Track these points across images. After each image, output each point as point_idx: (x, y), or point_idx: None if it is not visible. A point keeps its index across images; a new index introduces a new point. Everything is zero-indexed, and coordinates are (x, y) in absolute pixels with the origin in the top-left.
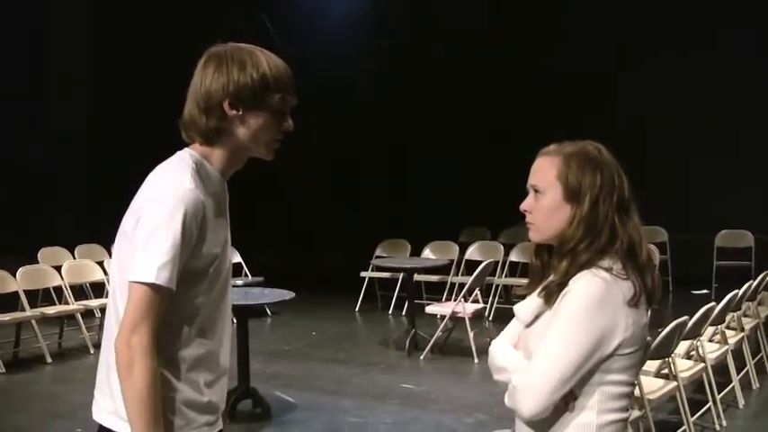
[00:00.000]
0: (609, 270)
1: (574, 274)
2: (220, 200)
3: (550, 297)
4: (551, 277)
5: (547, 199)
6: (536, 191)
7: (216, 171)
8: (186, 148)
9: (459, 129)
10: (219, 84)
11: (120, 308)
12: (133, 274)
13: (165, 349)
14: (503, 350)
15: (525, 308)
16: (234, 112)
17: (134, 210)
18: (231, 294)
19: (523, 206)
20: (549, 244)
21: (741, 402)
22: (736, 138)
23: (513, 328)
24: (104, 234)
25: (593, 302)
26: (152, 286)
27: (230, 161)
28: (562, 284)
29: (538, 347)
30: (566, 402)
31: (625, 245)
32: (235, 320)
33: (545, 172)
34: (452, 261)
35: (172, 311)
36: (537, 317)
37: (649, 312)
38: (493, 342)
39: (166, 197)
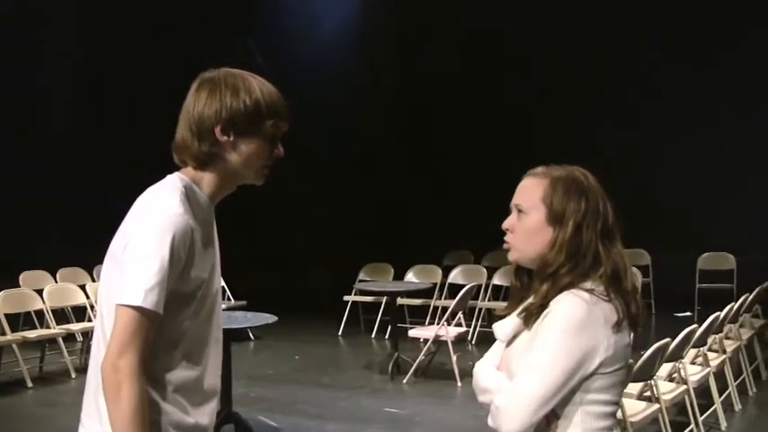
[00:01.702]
0: (591, 291)
1: (554, 297)
2: (209, 225)
3: (530, 319)
4: (531, 299)
5: (530, 219)
6: (519, 210)
7: (205, 196)
8: (176, 172)
9: (443, 152)
10: (212, 109)
11: (107, 331)
12: (120, 298)
13: (152, 372)
14: (486, 371)
15: (504, 326)
16: (225, 138)
17: (123, 233)
18: (221, 318)
19: (505, 224)
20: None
21: (723, 425)
22: (717, 161)
23: (496, 349)
24: (87, 258)
25: (574, 323)
26: (139, 309)
27: (221, 186)
28: (542, 306)
29: (519, 368)
30: (548, 422)
31: (609, 271)
32: None
33: (530, 192)
34: (435, 285)
35: (159, 334)
36: (516, 336)
37: (632, 336)
38: (477, 364)
39: (155, 221)
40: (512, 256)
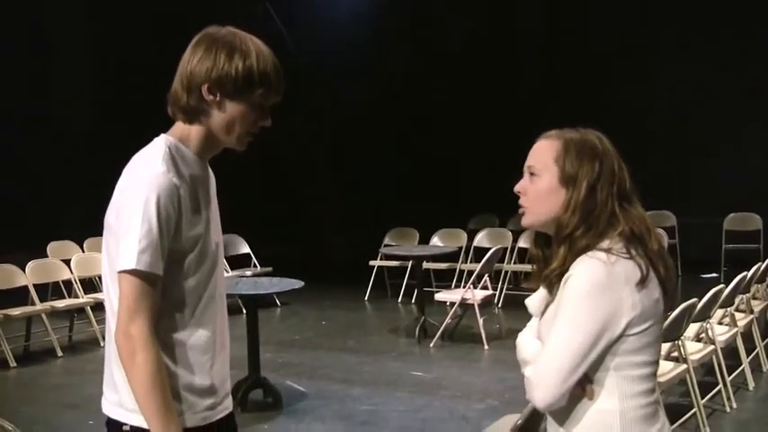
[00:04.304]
0: (608, 251)
1: (572, 261)
2: (200, 181)
3: (552, 286)
4: (552, 265)
5: (542, 181)
6: (531, 173)
7: (193, 153)
8: (162, 134)
9: (466, 116)
10: (204, 67)
11: (113, 301)
12: (118, 265)
13: (160, 334)
14: (526, 343)
15: (534, 300)
16: (211, 97)
17: (113, 202)
18: (223, 275)
19: (517, 187)
20: (547, 233)
21: (751, 384)
22: (743, 120)
23: (535, 321)
24: None
25: (593, 286)
26: (136, 273)
27: (207, 143)
28: (561, 273)
29: (546, 338)
30: (583, 389)
31: (627, 230)
32: (244, 310)
33: (543, 154)
34: (461, 248)
35: (162, 296)
36: (547, 306)
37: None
38: (519, 335)
39: (139, 185)
40: (525, 221)
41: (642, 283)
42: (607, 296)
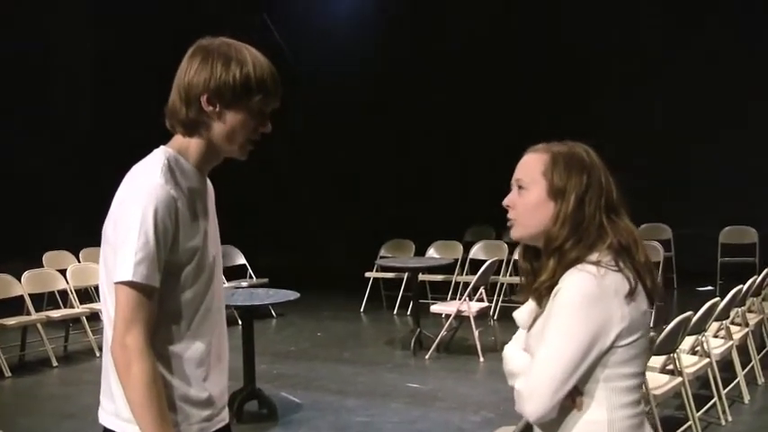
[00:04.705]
0: (597, 263)
1: (562, 274)
2: (198, 194)
3: (541, 299)
4: (541, 277)
5: (531, 194)
6: (520, 186)
7: (192, 166)
8: (162, 146)
9: (462, 128)
10: (201, 78)
11: (111, 311)
12: (115, 276)
13: (156, 346)
14: (513, 355)
15: (522, 313)
16: (210, 107)
17: (111, 213)
18: (221, 287)
19: (506, 201)
20: (536, 246)
21: (746, 398)
22: (739, 134)
23: (522, 333)
24: None
25: (584, 298)
26: (132, 284)
27: (207, 155)
28: (551, 286)
29: (536, 350)
30: (573, 401)
31: (615, 243)
32: (240, 321)
33: (531, 167)
34: (457, 260)
35: (159, 308)
36: (535, 319)
37: (653, 311)
38: (505, 347)
39: (137, 196)
40: (514, 234)
41: (631, 295)
42: (598, 308)
